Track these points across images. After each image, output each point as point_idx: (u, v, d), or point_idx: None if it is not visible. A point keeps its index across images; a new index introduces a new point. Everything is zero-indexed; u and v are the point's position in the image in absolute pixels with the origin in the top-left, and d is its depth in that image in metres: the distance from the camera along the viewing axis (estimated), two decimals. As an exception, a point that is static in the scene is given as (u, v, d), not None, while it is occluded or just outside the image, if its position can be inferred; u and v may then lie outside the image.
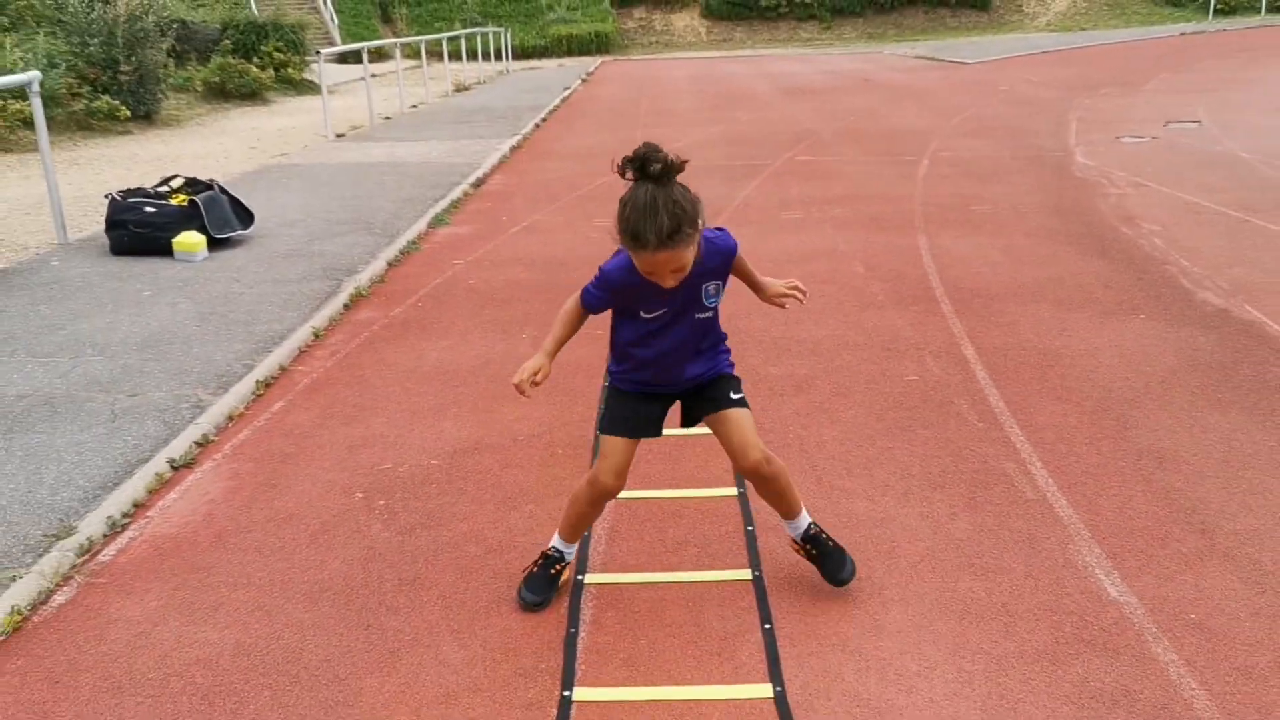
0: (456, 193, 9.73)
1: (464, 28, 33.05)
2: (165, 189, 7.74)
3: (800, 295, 3.01)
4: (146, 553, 3.49)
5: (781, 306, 3.08)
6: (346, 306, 6.26)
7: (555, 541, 3.12)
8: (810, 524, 3.10)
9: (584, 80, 25.34)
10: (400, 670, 2.82)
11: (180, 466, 4.13)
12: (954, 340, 5.34)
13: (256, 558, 3.43)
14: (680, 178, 2.58)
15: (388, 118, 16.99)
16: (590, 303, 2.87)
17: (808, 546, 3.10)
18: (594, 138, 14.31)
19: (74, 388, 4.86)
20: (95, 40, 15.99)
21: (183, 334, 5.64)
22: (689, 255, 2.62)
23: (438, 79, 23.29)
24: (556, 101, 19.39)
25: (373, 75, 17.94)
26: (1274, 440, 4.05)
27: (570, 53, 39.05)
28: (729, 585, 3.18)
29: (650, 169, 2.53)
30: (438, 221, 8.58)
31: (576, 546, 3.16)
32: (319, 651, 2.91)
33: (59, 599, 3.22)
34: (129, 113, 15.92)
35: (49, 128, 13.03)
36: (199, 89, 20.24)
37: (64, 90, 15.04)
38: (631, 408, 2.96)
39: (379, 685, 2.76)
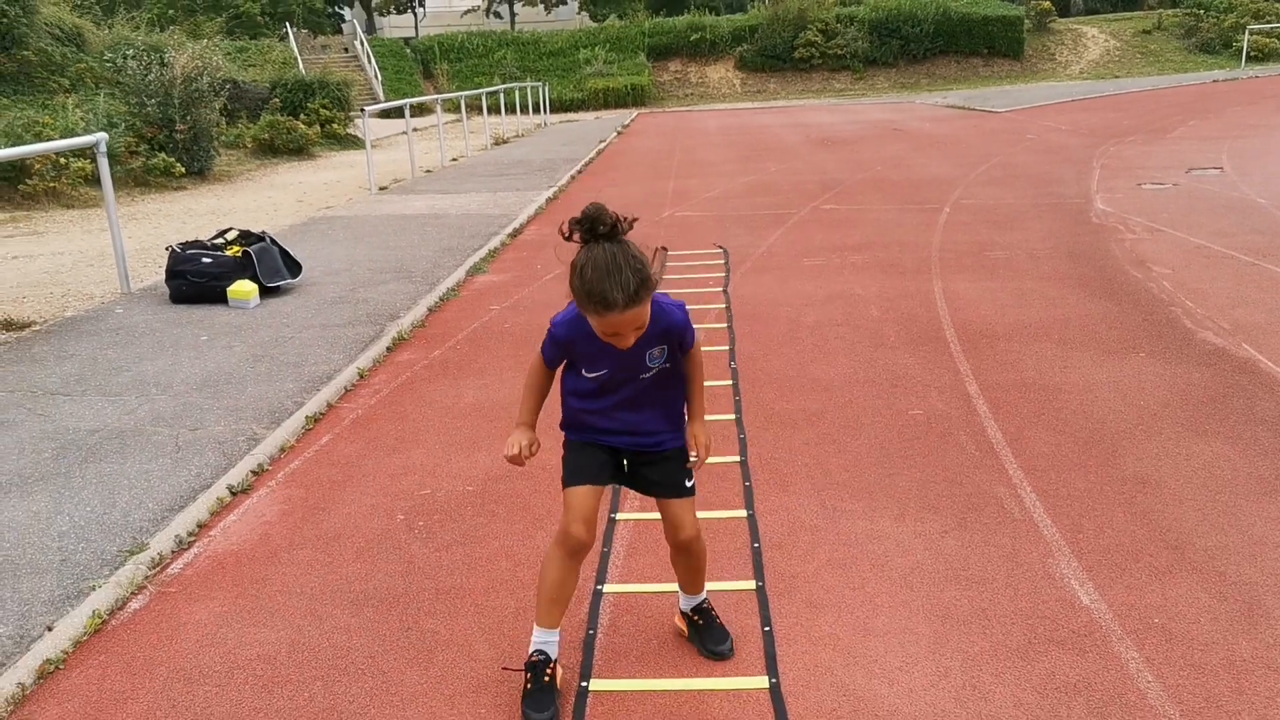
0: (494, 242, 10.19)
1: (503, 83, 33.95)
2: (220, 241, 8.24)
3: (697, 463, 2.96)
4: (210, 566, 3.87)
5: (694, 462, 2.98)
6: (389, 349, 6.68)
7: (536, 639, 2.96)
8: (704, 599, 3.20)
9: (619, 132, 25.98)
10: (436, 665, 3.17)
11: (238, 492, 4.52)
12: (959, 377, 5.64)
13: (308, 570, 3.80)
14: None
15: (428, 170, 17.60)
16: (548, 357, 2.90)
17: (695, 617, 3.16)
18: (627, 189, 14.79)
19: (141, 423, 5.29)
20: (152, 101, 16.80)
21: (238, 374, 6.08)
22: (648, 312, 2.63)
23: (477, 133, 24.01)
24: (592, 154, 19.96)
25: (414, 129, 18.60)
26: (1253, 467, 4.32)
27: (607, 105, 39.89)
28: (735, 594, 3.50)
29: (599, 229, 2.53)
30: (475, 270, 9.02)
31: (559, 634, 2.98)
32: (364, 649, 3.26)
33: (134, 605, 3.60)
34: (184, 169, 16.68)
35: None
36: (249, 145, 21.07)
37: (123, 149, 15.78)
38: (589, 455, 2.92)
39: (418, 677, 3.11)
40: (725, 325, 6.64)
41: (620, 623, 3.36)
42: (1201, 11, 44.05)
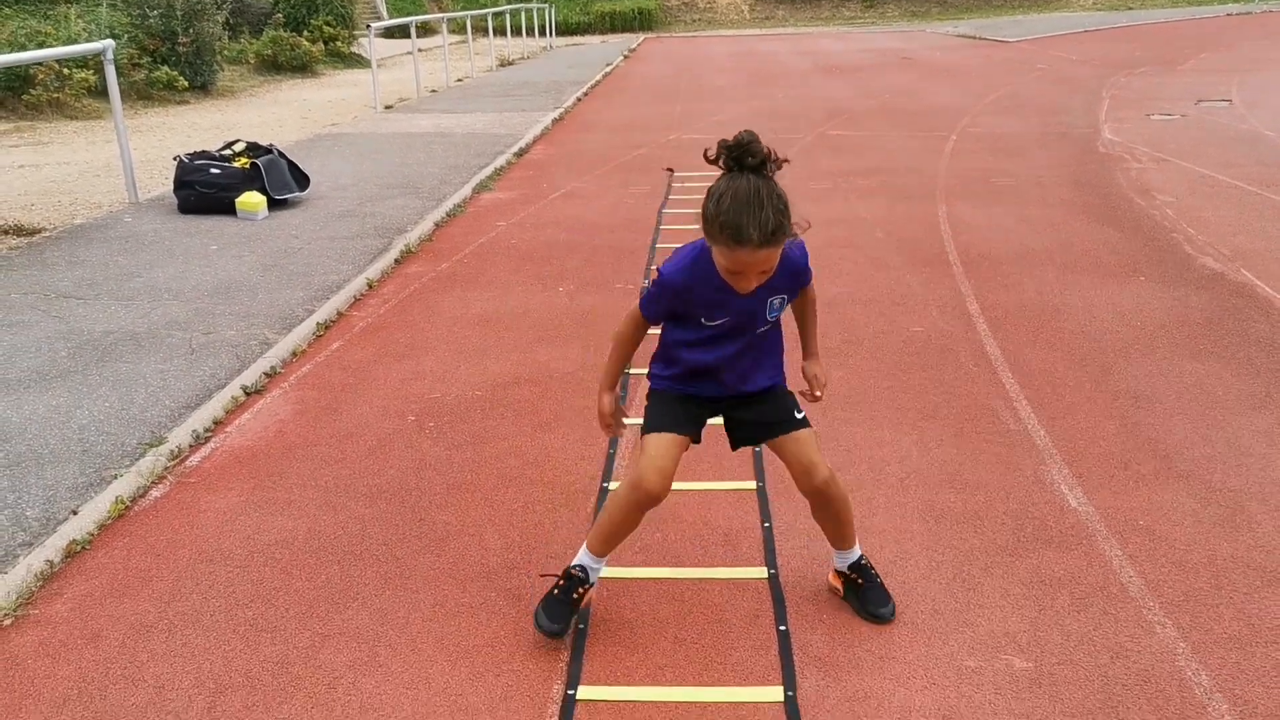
0: (500, 161, 10.19)
1: (509, 4, 33.45)
2: (228, 152, 8.25)
3: (817, 396, 2.85)
4: (227, 460, 3.99)
5: (806, 392, 2.86)
6: (397, 261, 6.75)
7: (583, 557, 2.82)
8: (861, 555, 2.95)
9: (626, 57, 25.70)
10: (448, 553, 3.29)
11: (252, 393, 4.63)
12: (960, 298, 5.72)
13: (322, 466, 3.92)
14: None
15: (434, 91, 17.47)
16: (651, 312, 2.68)
17: (854, 576, 2.92)
18: (633, 111, 14.70)
19: (154, 326, 5.38)
20: (155, 13, 16.61)
21: (249, 283, 6.15)
22: (777, 256, 2.43)
23: (482, 54, 23.77)
24: (598, 77, 19.79)
25: (419, 50, 18.43)
26: (1244, 385, 4.42)
27: (613, 29, 39.37)
28: (736, 493, 3.61)
29: (747, 160, 2.35)
30: (482, 187, 9.04)
31: (604, 564, 2.85)
32: (379, 537, 3.39)
33: (155, 494, 3.72)
34: (187, 83, 16.55)
35: (108, 97, 13.68)
36: (251, 61, 20.86)
37: (125, 60, 15.65)
38: (679, 407, 2.74)
39: (430, 563, 3.23)
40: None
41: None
42: (1220, -57, 43.24)
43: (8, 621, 2.96)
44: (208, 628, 2.92)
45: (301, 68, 21.40)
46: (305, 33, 23.01)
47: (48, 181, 9.50)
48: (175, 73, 16.37)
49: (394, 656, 2.78)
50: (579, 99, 16.30)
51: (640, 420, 2.82)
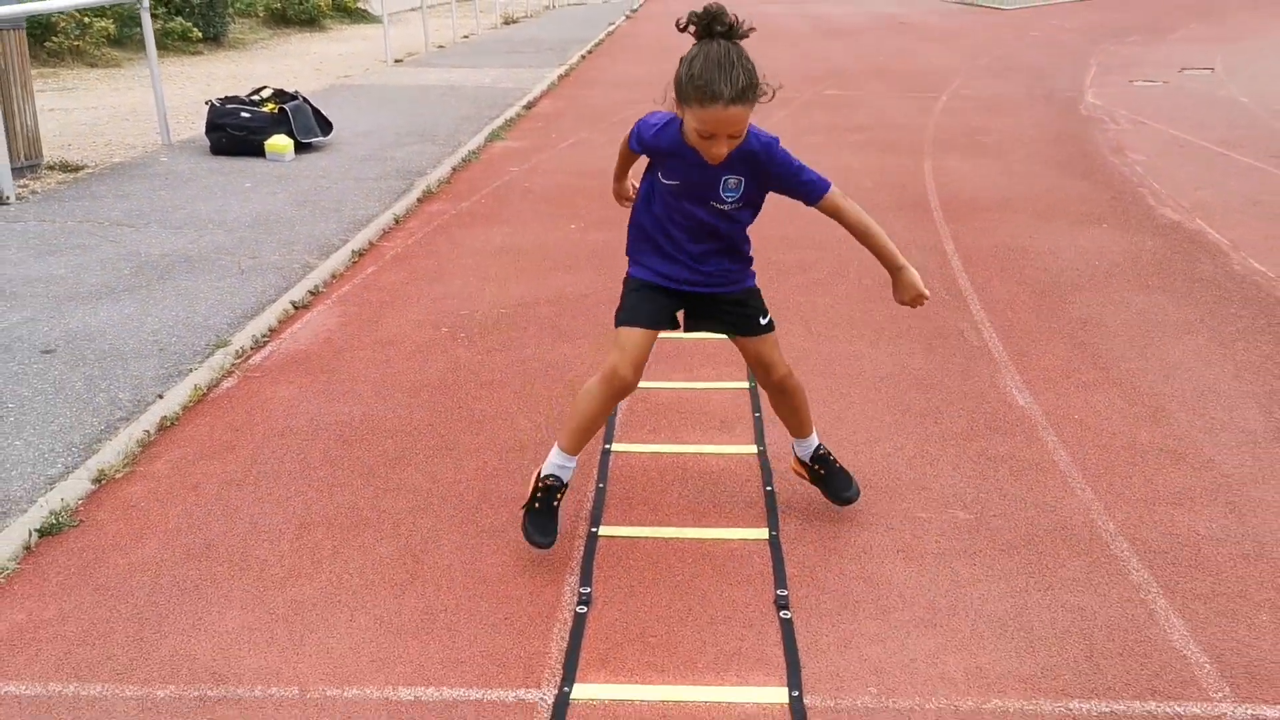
0: (510, 113, 10.68)
1: (512, -39, 33.53)
2: (257, 98, 8.74)
3: (923, 301, 2.98)
4: (285, 360, 4.54)
5: (915, 305, 2.99)
6: (419, 200, 7.27)
7: (553, 458, 2.92)
8: (819, 444, 3.19)
9: (628, 16, 26.02)
10: (485, 431, 3.86)
11: (300, 307, 5.17)
12: (939, 239, 6.27)
13: (369, 366, 4.48)
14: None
15: (441, 46, 17.88)
16: (633, 145, 2.96)
17: (815, 466, 3.18)
18: (637, 68, 15.16)
19: (204, 250, 5.92)
20: (167, -38, 16.95)
21: (285, 216, 6.68)
22: (746, 124, 2.59)
23: (486, 12, 24.08)
24: (601, 35, 20.18)
25: (426, 5, 18.80)
26: (1182, 313, 4.99)
27: (615, -11, 39.46)
28: (730, 392, 4.18)
29: (715, 27, 2.52)
30: (494, 136, 9.55)
31: (576, 461, 2.96)
32: (424, 420, 3.95)
33: (226, 384, 4.28)
34: (200, 34, 16.94)
35: (126, 46, 14.11)
36: (260, 14, 21.19)
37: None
38: (648, 297, 2.89)
39: (470, 439, 3.80)
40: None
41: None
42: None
43: (120, 475, 3.53)
44: (287, 483, 3.49)
45: (310, 22, 21.74)
46: (313, -14, 23.28)
47: (80, 125, 9.98)
48: (189, 24, 16.75)
49: (444, 504, 3.35)
50: (583, 56, 16.73)
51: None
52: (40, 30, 13.98)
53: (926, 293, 2.95)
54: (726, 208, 2.81)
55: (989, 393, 4.15)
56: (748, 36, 2.57)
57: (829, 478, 3.19)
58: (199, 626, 2.74)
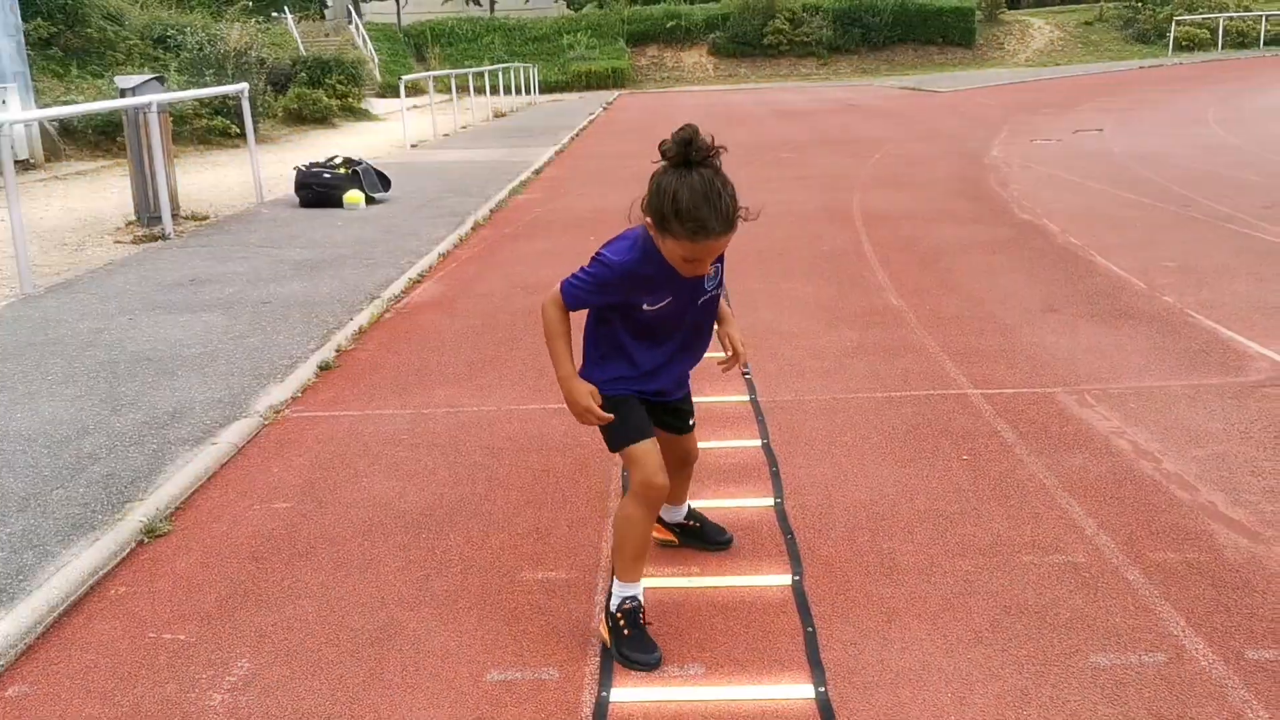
0: (523, 176, 13.21)
1: (495, 65, 36.65)
2: (333, 162, 11.20)
3: (739, 366, 2.94)
4: (417, 306, 6.89)
5: (727, 361, 2.93)
6: (472, 229, 9.69)
7: (625, 591, 2.85)
8: (689, 506, 3.40)
9: (605, 108, 29.02)
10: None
11: (415, 281, 7.54)
12: (857, 234, 8.74)
13: (473, 306, 6.82)
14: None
15: (446, 135, 20.55)
16: (576, 297, 2.77)
17: (690, 521, 3.39)
18: (621, 145, 17.83)
19: (333, 257, 8.28)
20: (209, 70, 19.63)
21: (378, 239, 9.06)
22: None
23: (475, 109, 26.95)
24: (584, 123, 22.98)
25: (415, 107, 21.48)
26: (1014, 263, 7.44)
27: (589, 87, 42.79)
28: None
29: (692, 155, 2.48)
30: (516, 191, 12.05)
31: (642, 588, 2.89)
32: (524, 326, 6.29)
33: (387, 317, 6.61)
34: (238, 129, 19.52)
35: (178, 140, 16.53)
36: (279, 114, 23.90)
37: (190, 111, 18.63)
38: (636, 409, 2.84)
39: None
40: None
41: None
42: (1140, 4, 47.50)
43: (350, 349, 5.85)
44: (449, 359, 5.80)
45: (321, 119, 24.46)
46: (322, 89, 26.11)
47: (182, 193, 12.37)
48: (228, 121, 19.34)
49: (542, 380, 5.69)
50: (572, 138, 19.43)
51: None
52: (111, 127, 16.49)
53: (742, 355, 2.95)
54: (707, 298, 2.81)
55: (877, 302, 6.57)
56: (719, 157, 2.55)
57: (703, 526, 3.41)
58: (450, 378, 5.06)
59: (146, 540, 3.63)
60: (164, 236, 9.19)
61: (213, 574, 3.40)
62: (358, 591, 3.25)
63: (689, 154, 2.50)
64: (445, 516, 3.76)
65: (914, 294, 6.68)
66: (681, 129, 2.52)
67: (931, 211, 9.75)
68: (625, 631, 2.81)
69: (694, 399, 3.18)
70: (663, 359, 2.86)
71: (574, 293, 2.78)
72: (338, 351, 5.76)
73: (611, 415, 2.79)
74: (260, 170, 11.69)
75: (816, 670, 2.75)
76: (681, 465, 3.17)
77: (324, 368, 5.49)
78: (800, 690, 2.67)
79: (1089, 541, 3.37)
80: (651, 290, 2.70)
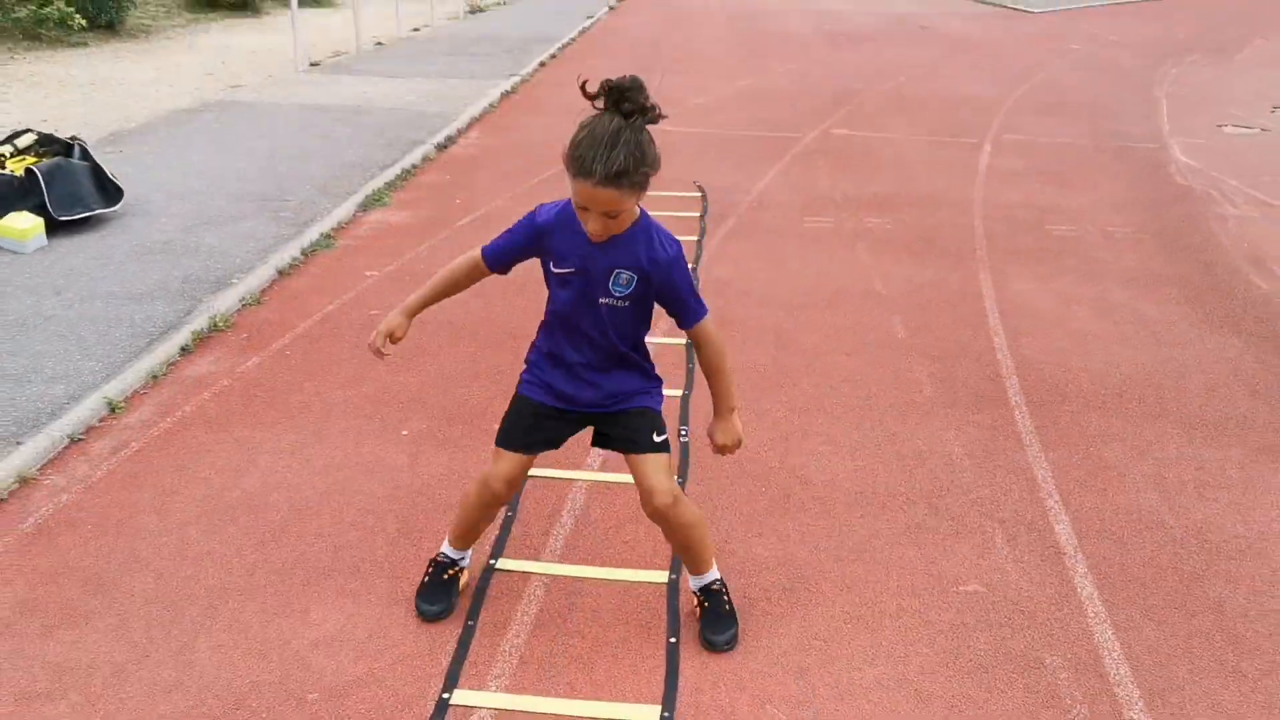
0: (414, 156, 7.90)
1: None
2: (7, 150, 5.99)
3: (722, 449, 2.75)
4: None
5: (727, 451, 2.75)
6: (196, 339, 4.54)
7: (445, 548, 2.99)
8: (713, 580, 2.90)
9: (611, 8, 23.10)
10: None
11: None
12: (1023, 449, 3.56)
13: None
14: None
15: (380, 43, 15.12)
16: (496, 245, 2.68)
17: (700, 599, 2.90)
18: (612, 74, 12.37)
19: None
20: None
21: None
22: (625, 208, 2.40)
23: (452, -2, 21.23)
24: (574, 33, 17.32)
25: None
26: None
27: (605, -28, 36.60)
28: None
29: (623, 105, 2.34)
30: (372, 202, 6.77)
31: (470, 553, 3.03)
32: None
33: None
34: (85, 22, 14.05)
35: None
36: (176, -8, 18.31)
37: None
38: (529, 422, 2.75)
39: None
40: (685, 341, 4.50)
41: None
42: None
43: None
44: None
45: (243, 4, 18.87)
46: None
47: None
48: (70, 8, 13.83)
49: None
50: (543, 62, 13.94)
51: None
52: None
53: (743, 440, 2.74)
54: (614, 302, 2.61)
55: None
56: (655, 123, 2.39)
57: (708, 612, 2.88)
58: None
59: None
60: None
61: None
62: None
63: (621, 104, 2.36)
64: None
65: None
66: (628, 77, 2.39)
67: (1159, 382, 4.53)
68: (426, 579, 2.97)
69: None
70: (573, 351, 2.68)
71: (494, 242, 2.71)
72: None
73: (377, 351, 2.71)
74: None
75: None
76: (649, 510, 2.71)
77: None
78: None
79: None
80: (562, 255, 2.60)
